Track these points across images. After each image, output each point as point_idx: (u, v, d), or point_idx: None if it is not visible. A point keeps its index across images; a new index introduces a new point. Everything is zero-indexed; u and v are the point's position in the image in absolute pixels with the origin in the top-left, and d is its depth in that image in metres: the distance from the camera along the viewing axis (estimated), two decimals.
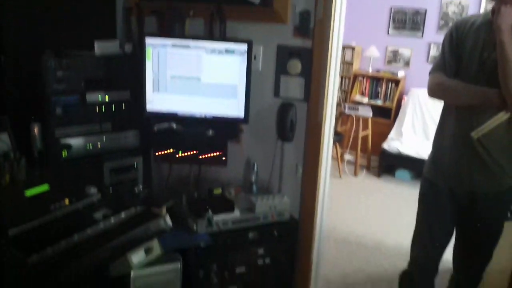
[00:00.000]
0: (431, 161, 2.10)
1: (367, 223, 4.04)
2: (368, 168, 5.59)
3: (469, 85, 1.86)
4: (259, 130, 2.51)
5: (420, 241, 2.11)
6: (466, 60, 1.90)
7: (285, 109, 2.38)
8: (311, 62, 2.34)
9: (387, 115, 5.84)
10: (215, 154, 2.27)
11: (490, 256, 2.12)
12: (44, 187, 1.83)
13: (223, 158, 2.27)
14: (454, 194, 2.00)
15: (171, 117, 2.29)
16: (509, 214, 2.05)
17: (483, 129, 1.85)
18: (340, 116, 5.58)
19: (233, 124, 2.39)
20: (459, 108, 1.94)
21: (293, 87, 2.42)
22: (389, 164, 5.37)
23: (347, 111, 5.38)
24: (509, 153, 1.92)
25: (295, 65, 2.36)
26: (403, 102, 5.66)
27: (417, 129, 5.35)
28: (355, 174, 5.39)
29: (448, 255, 2.19)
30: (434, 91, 1.98)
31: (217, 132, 2.34)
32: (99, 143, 2.26)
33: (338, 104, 5.82)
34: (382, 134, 5.58)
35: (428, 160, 2.14)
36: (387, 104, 5.88)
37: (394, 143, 5.25)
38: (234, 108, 2.30)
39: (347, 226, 3.93)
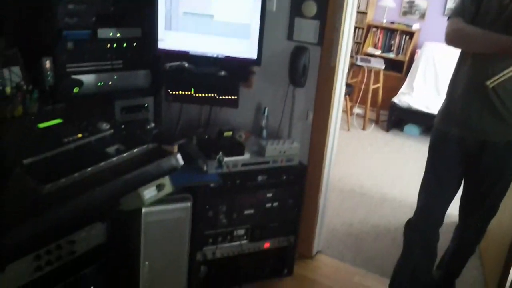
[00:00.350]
0: (444, 109, 2.08)
1: (373, 176, 4.06)
2: (377, 122, 5.56)
3: (487, 32, 1.81)
4: (271, 74, 2.48)
5: (428, 189, 2.12)
6: (485, 6, 1.85)
7: (298, 52, 2.34)
8: (327, 3, 2.28)
9: (399, 69, 5.75)
10: (226, 95, 2.25)
11: (496, 208, 2.14)
12: (56, 121, 1.83)
13: (235, 99, 2.25)
14: (464, 142, 1.99)
15: (183, 56, 2.26)
16: None
17: (498, 78, 1.83)
18: (352, 68, 5.50)
19: (245, 66, 2.36)
20: (476, 55, 1.91)
21: (307, 30, 2.36)
22: (399, 119, 5.33)
23: (358, 62, 5.29)
24: None
25: (311, 7, 2.30)
26: (416, 56, 5.55)
27: (428, 84, 5.27)
28: (364, 128, 5.36)
29: (452, 209, 2.20)
30: (451, 38, 1.93)
31: (229, 73, 2.32)
32: (110, 81, 2.25)
33: (350, 56, 5.73)
34: (393, 88, 5.51)
35: (440, 110, 2.12)
36: (400, 57, 5.78)
37: (405, 97, 5.19)
38: (246, 49, 2.26)
39: (353, 178, 3.95)
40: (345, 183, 3.82)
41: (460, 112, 1.98)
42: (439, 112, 2.12)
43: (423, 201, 2.15)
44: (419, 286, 2.15)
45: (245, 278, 2.39)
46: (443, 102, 2.10)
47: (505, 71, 1.82)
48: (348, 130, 5.24)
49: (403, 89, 5.40)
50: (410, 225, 2.19)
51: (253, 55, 2.27)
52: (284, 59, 2.41)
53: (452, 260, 2.35)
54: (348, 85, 5.17)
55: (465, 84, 1.95)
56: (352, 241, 2.97)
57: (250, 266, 2.38)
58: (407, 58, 5.70)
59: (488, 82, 1.85)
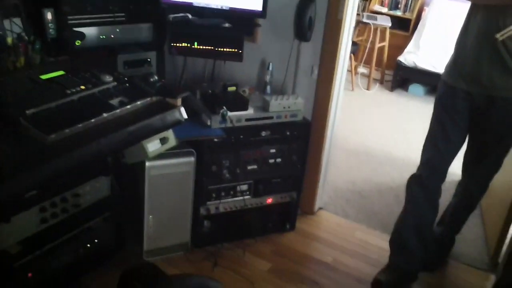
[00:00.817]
0: (452, 63, 2.04)
1: (377, 135, 4.05)
2: (381, 82, 5.50)
3: None
4: (277, 27, 2.43)
5: (434, 143, 2.11)
6: None
7: (304, 4, 2.28)
8: None
9: (406, 27, 5.64)
10: (231, 49, 2.21)
11: (499, 164, 2.13)
12: (59, 72, 1.80)
13: (239, 53, 2.21)
14: (472, 97, 1.97)
15: (186, 7, 2.21)
16: None
17: (508, 31, 1.80)
18: (358, 26, 5.39)
19: (250, 18, 2.30)
20: (486, 8, 1.86)
21: None
22: (404, 78, 5.28)
23: (365, 19, 5.18)
24: None
25: None
26: (423, 14, 5.43)
27: (436, 43, 5.16)
28: (368, 87, 5.31)
29: (455, 168, 2.21)
30: None
31: (233, 25, 2.27)
32: (112, 34, 2.20)
33: (356, 13, 5.61)
34: (398, 47, 5.42)
35: (448, 64, 2.08)
36: (407, 15, 5.66)
37: (411, 56, 5.11)
38: (251, 0, 2.20)
39: (357, 137, 3.94)
40: (349, 142, 3.81)
41: (469, 66, 1.95)
42: (446, 66, 2.09)
43: (428, 155, 2.14)
44: (421, 240, 2.17)
45: (247, 233, 2.42)
46: (451, 56, 2.07)
47: None
48: (352, 89, 5.19)
49: (409, 47, 5.31)
50: (413, 179, 2.19)
51: (258, 6, 2.21)
52: (290, 11, 2.34)
53: (454, 215, 2.37)
54: (353, 43, 5.08)
55: (474, 38, 1.91)
56: (355, 198, 2.99)
57: (253, 221, 2.41)
58: (414, 16, 5.58)
59: (498, 35, 1.82)
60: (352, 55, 5.12)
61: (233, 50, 2.21)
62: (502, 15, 1.81)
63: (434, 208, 2.20)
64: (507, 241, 2.39)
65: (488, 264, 2.46)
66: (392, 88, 5.29)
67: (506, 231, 2.40)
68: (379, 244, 2.47)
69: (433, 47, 5.15)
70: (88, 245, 2.04)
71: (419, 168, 2.18)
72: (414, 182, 2.19)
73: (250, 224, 2.41)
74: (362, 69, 5.55)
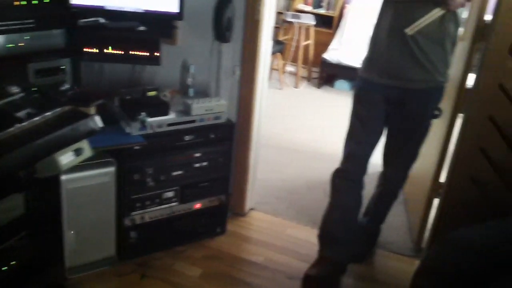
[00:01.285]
0: (367, 57, 2.12)
1: (306, 131, 4.12)
2: (309, 79, 5.61)
3: None
4: (196, 29, 2.39)
5: (354, 136, 2.17)
6: None
7: (222, 5, 2.26)
8: None
9: (329, 25, 5.79)
10: (146, 52, 2.14)
11: (416, 154, 2.23)
12: None
13: (156, 56, 2.15)
14: (387, 89, 2.04)
15: (99, 11, 2.12)
16: (436, 112, 2.12)
17: (417, 25, 1.89)
18: (283, 25, 5.47)
19: (167, 21, 2.25)
20: (397, 3, 1.94)
21: None
22: (330, 75, 5.41)
23: (289, 18, 5.26)
24: (440, 50, 1.96)
25: None
26: (345, 11, 5.60)
27: (357, 38, 5.35)
28: (297, 85, 5.40)
29: (377, 159, 2.28)
30: None
31: (149, 28, 2.20)
32: (21, 42, 2.07)
33: (281, 13, 5.69)
34: (324, 44, 5.56)
35: (364, 59, 2.16)
36: (330, 13, 5.82)
37: (335, 52, 5.25)
38: (167, 2, 2.15)
39: (287, 134, 3.99)
40: (279, 139, 3.85)
41: (383, 60, 2.03)
42: (363, 61, 2.16)
43: (349, 149, 2.20)
44: (348, 232, 2.22)
45: (177, 240, 2.37)
46: (367, 52, 2.14)
47: (423, 18, 1.88)
48: (281, 88, 5.26)
49: (332, 44, 5.45)
50: (337, 173, 2.24)
51: (175, 8, 2.16)
52: (209, 12, 2.32)
53: (377, 205, 2.45)
54: (279, 42, 5.16)
55: (386, 33, 1.99)
56: (285, 196, 3.01)
57: (182, 228, 2.36)
58: (337, 13, 5.74)
59: (407, 30, 1.90)
60: (279, 54, 5.18)
61: (148, 53, 2.15)
62: (411, 10, 1.90)
63: (358, 200, 2.26)
64: (428, 226, 2.50)
65: (413, 250, 2.56)
66: (319, 85, 5.41)
67: (427, 217, 2.51)
68: (309, 239, 2.50)
69: (355, 43, 5.32)
70: (5, 268, 1.90)
71: (342, 162, 2.24)
72: (338, 176, 2.24)
73: (180, 231, 2.36)
74: (290, 68, 5.64)
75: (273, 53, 4.91)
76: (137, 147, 2.06)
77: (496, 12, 2.02)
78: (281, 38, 5.48)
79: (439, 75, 2.02)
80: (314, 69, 5.59)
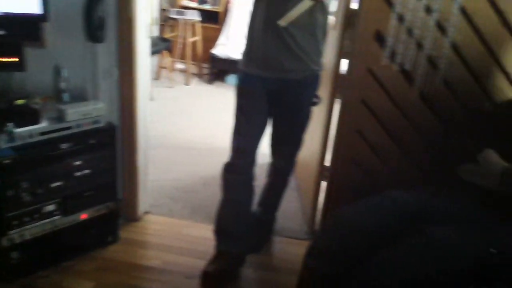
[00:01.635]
0: (245, 50, 2.14)
1: (199, 128, 4.10)
2: (200, 76, 5.58)
3: None
4: (65, 30, 2.23)
5: (239, 129, 2.18)
6: None
7: (91, 3, 2.14)
8: None
9: (216, 20, 5.79)
10: (7, 58, 1.96)
11: (300, 141, 2.30)
12: None
13: (19, 61, 1.98)
14: (266, 81, 2.08)
15: None
16: (315, 99, 2.21)
17: (289, 17, 1.92)
18: (167, 22, 5.37)
19: (32, 23, 2.08)
20: None
21: None
22: (221, 70, 5.43)
23: (173, 15, 5.18)
24: (312, 40, 2.03)
25: None
26: (229, 6, 5.64)
27: (243, 33, 5.41)
28: (187, 82, 5.34)
29: (266, 150, 2.33)
30: None
31: (11, 31, 2.02)
32: None
33: (165, 10, 5.58)
34: (212, 39, 5.56)
35: (242, 53, 2.17)
36: (216, 8, 5.82)
37: (223, 48, 5.28)
38: (29, 2, 1.99)
39: (180, 133, 3.94)
40: (172, 139, 3.78)
41: (260, 52, 2.05)
42: (242, 55, 2.17)
43: (236, 142, 2.21)
44: (242, 224, 2.24)
45: (65, 255, 2.22)
46: (245, 45, 2.15)
47: (295, 9, 1.92)
48: (172, 86, 5.17)
49: (220, 40, 5.48)
50: (227, 167, 2.24)
51: (38, 9, 2.00)
52: (79, 11, 2.18)
53: (270, 195, 2.50)
54: (166, 40, 5.06)
55: (261, 25, 2.02)
56: (181, 195, 2.97)
57: (69, 241, 2.21)
58: (222, 8, 5.77)
59: (280, 21, 1.94)
60: (167, 51, 5.09)
61: (10, 59, 1.97)
62: (283, 2, 1.94)
63: (250, 193, 2.29)
64: (320, 208, 2.60)
65: (308, 233, 2.65)
66: (210, 81, 5.41)
67: (316, 200, 2.61)
68: (206, 236, 2.47)
69: (242, 37, 5.38)
70: None
71: (230, 157, 2.24)
72: (228, 170, 2.25)
73: (67, 245, 2.21)
74: (179, 65, 5.56)
75: (159, 51, 4.81)
76: (7, 161, 1.89)
77: (361, 1, 2.14)
78: (167, 35, 5.38)
79: (313, 64, 2.09)
80: (205, 65, 5.58)
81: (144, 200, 2.69)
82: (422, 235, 1.59)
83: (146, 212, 2.72)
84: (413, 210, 1.74)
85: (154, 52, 4.70)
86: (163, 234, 2.54)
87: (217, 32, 5.66)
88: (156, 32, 5.43)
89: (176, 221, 2.68)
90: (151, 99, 4.60)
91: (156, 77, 5.18)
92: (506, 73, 2.10)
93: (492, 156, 1.67)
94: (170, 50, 5.22)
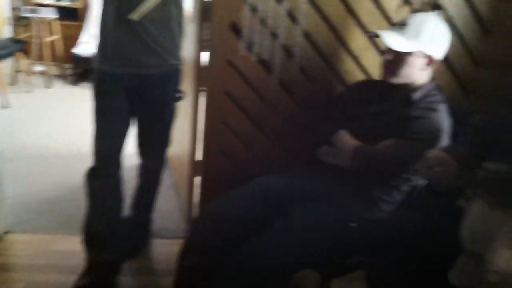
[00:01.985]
0: (99, 48, 2.01)
1: (64, 134, 3.82)
2: (63, 77, 5.22)
3: None
4: None
5: (100, 131, 2.06)
6: None
7: None
8: None
9: (76, 17, 5.45)
10: None
11: (167, 138, 2.24)
12: None
13: None
14: (124, 78, 1.98)
15: None
16: (178, 94, 2.16)
17: (141, 10, 1.86)
18: (20, 22, 4.92)
19: None
20: None
21: None
22: (86, 69, 5.12)
23: (25, 14, 4.76)
24: (167, 33, 1.98)
25: None
26: (89, 1, 5.34)
27: None
28: (49, 85, 4.96)
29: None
30: None
31: None
32: None
33: (16, 8, 5.12)
34: (74, 38, 5.23)
35: (96, 50, 2.04)
36: (76, 4, 5.47)
37: (86, 46, 4.99)
38: None
39: (42, 141, 3.63)
40: (33, 148, 3.49)
41: (114, 48, 1.95)
42: (96, 52, 2.04)
43: (98, 145, 2.08)
44: (113, 230, 2.13)
45: None
46: (98, 41, 2.03)
47: (146, 2, 1.86)
48: (32, 91, 4.76)
49: (82, 38, 5.17)
50: (90, 172, 2.11)
51: None
52: None
53: (142, 196, 2.41)
54: (18, 41, 4.63)
55: (113, 20, 1.91)
56: (46, 208, 2.73)
57: None
58: (81, 4, 5.44)
59: (132, 15, 1.86)
60: (22, 53, 4.67)
61: None
62: None
63: (118, 196, 2.17)
64: (195, 202, 2.57)
65: (187, 231, 2.61)
66: (75, 82, 5.09)
67: (191, 196, 2.58)
68: (77, 249, 2.29)
69: None
70: None
71: (93, 161, 2.11)
72: (91, 175, 2.11)
73: None
74: (39, 67, 5.14)
75: (12, 53, 4.40)
76: None
77: None
78: (22, 36, 4.94)
79: (171, 58, 2.04)
80: (67, 65, 5.22)
81: (3, 219, 2.43)
82: (286, 219, 1.64)
83: (7, 232, 2.46)
84: (279, 195, 1.79)
85: (6, 55, 4.29)
86: (27, 253, 2.32)
87: (78, 29, 5.32)
88: (9, 34, 4.95)
89: (43, 236, 2.47)
90: (6, 106, 4.20)
91: (12, 82, 4.72)
92: (354, 57, 2.25)
93: (345, 137, 1.78)
94: (25, 51, 4.80)
